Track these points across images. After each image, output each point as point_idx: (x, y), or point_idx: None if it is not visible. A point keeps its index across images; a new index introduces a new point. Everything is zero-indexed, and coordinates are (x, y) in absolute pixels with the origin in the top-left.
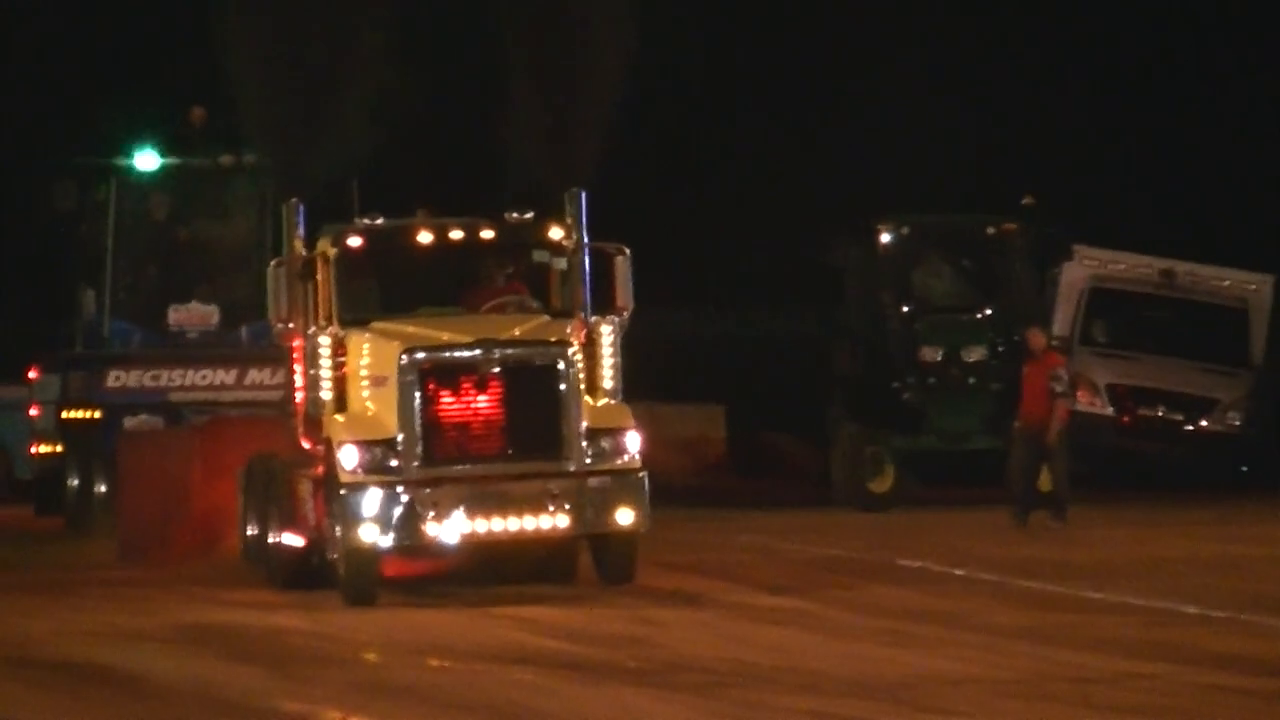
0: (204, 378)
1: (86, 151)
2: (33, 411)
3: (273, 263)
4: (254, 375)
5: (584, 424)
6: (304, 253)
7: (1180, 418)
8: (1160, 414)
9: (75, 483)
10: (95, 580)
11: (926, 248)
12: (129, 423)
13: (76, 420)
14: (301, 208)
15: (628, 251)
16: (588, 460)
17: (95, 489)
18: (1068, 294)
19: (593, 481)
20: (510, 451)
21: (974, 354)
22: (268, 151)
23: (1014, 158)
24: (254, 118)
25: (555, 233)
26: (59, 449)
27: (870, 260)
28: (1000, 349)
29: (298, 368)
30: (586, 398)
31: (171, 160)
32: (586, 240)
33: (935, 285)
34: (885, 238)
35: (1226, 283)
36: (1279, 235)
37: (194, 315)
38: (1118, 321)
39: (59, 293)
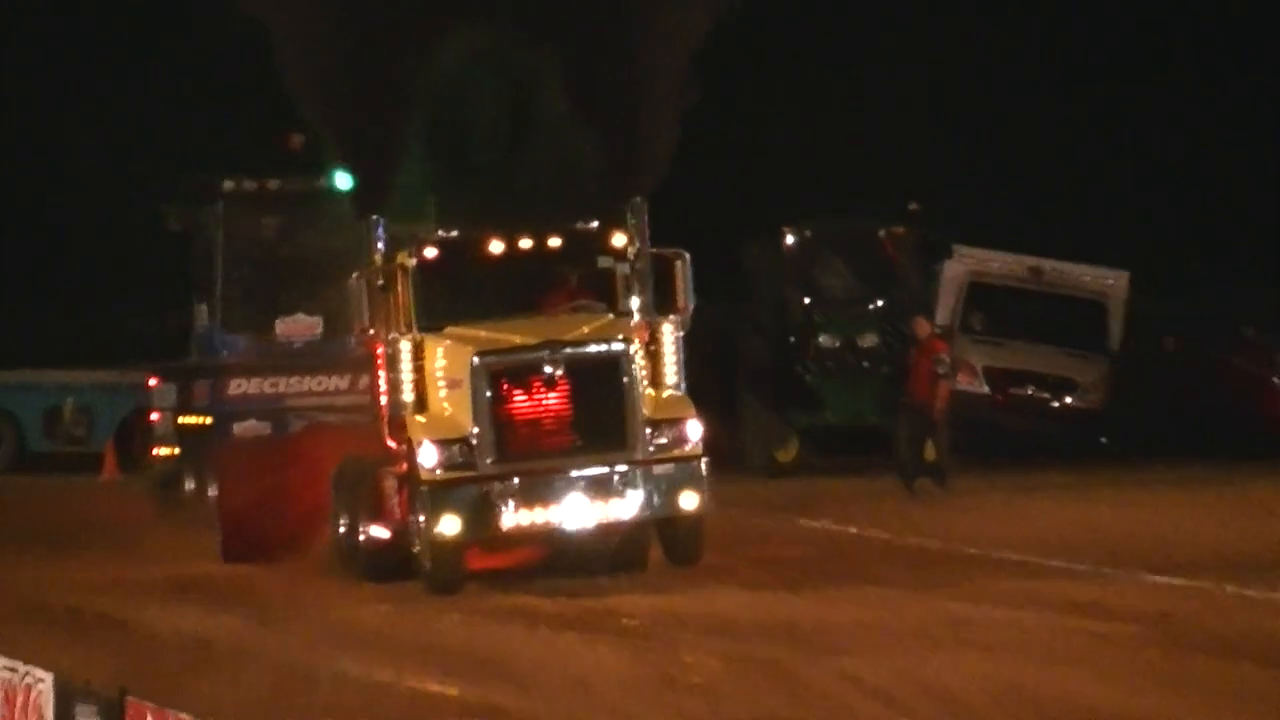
0: (319, 384)
1: (198, 174)
2: (153, 416)
3: (354, 274)
4: (365, 381)
5: (647, 415)
6: (383, 264)
7: (1047, 396)
8: (1029, 393)
9: (191, 484)
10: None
11: (825, 248)
12: (238, 428)
13: (191, 426)
14: (381, 222)
15: (687, 256)
16: (651, 449)
17: (208, 490)
18: (948, 288)
19: (657, 469)
20: (578, 444)
21: (867, 341)
22: (349, 171)
23: (903, 167)
24: (337, 140)
25: (618, 239)
26: (176, 452)
27: (776, 260)
28: (889, 337)
29: (381, 373)
30: (649, 391)
31: (274, 183)
32: (648, 245)
33: (833, 281)
34: (789, 240)
35: (1087, 278)
36: (1133, 235)
37: (299, 326)
38: (992, 312)
39: (171, 305)
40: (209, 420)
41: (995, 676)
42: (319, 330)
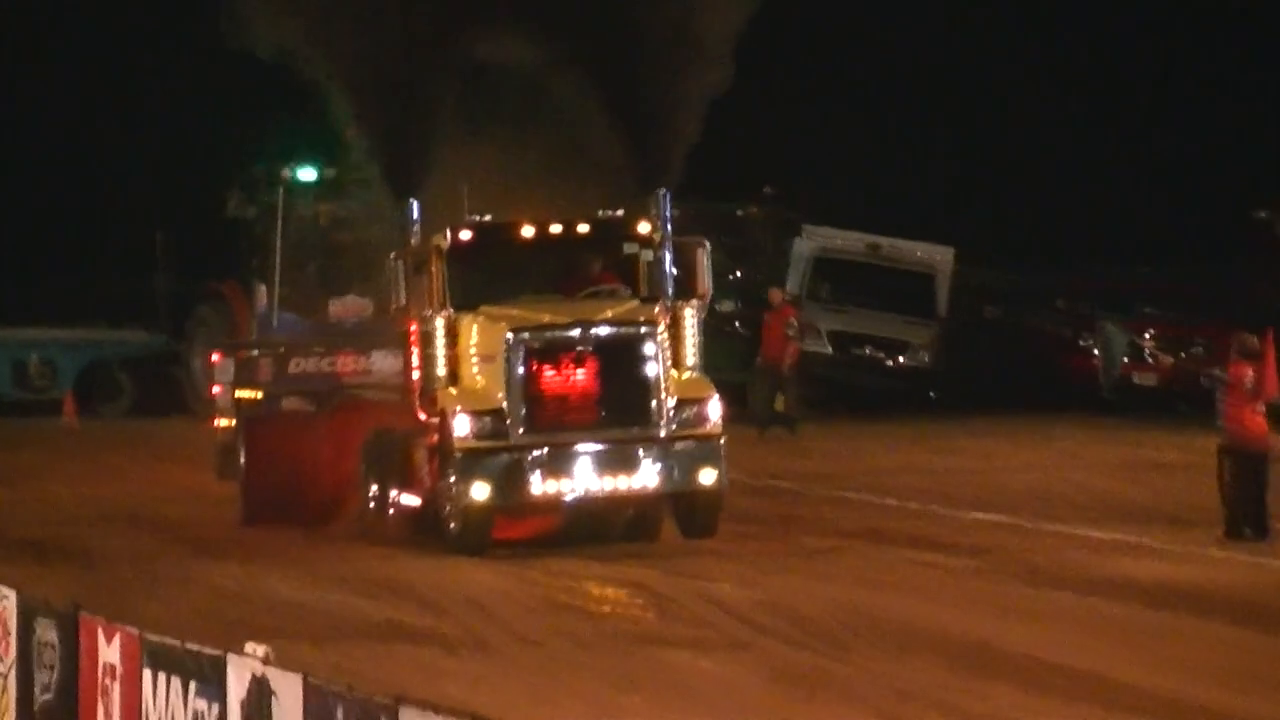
0: (374, 362)
1: (258, 164)
2: (215, 390)
3: (391, 255)
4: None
5: (670, 394)
6: (418, 246)
7: (883, 356)
8: (868, 353)
9: (244, 455)
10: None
11: (692, 227)
12: (286, 403)
13: (246, 400)
14: (416, 206)
15: (708, 244)
16: (673, 427)
17: None
18: (798, 261)
19: (678, 445)
20: (604, 419)
21: (726, 307)
22: (384, 161)
23: (766, 155)
24: (368, 130)
25: (643, 227)
26: (233, 424)
27: None
28: (746, 303)
29: (414, 349)
30: (673, 371)
31: (330, 172)
32: (670, 234)
33: None
34: None
35: (919, 253)
36: (957, 215)
37: (351, 307)
38: (836, 282)
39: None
40: (259, 395)
41: (839, 600)
42: (369, 311)
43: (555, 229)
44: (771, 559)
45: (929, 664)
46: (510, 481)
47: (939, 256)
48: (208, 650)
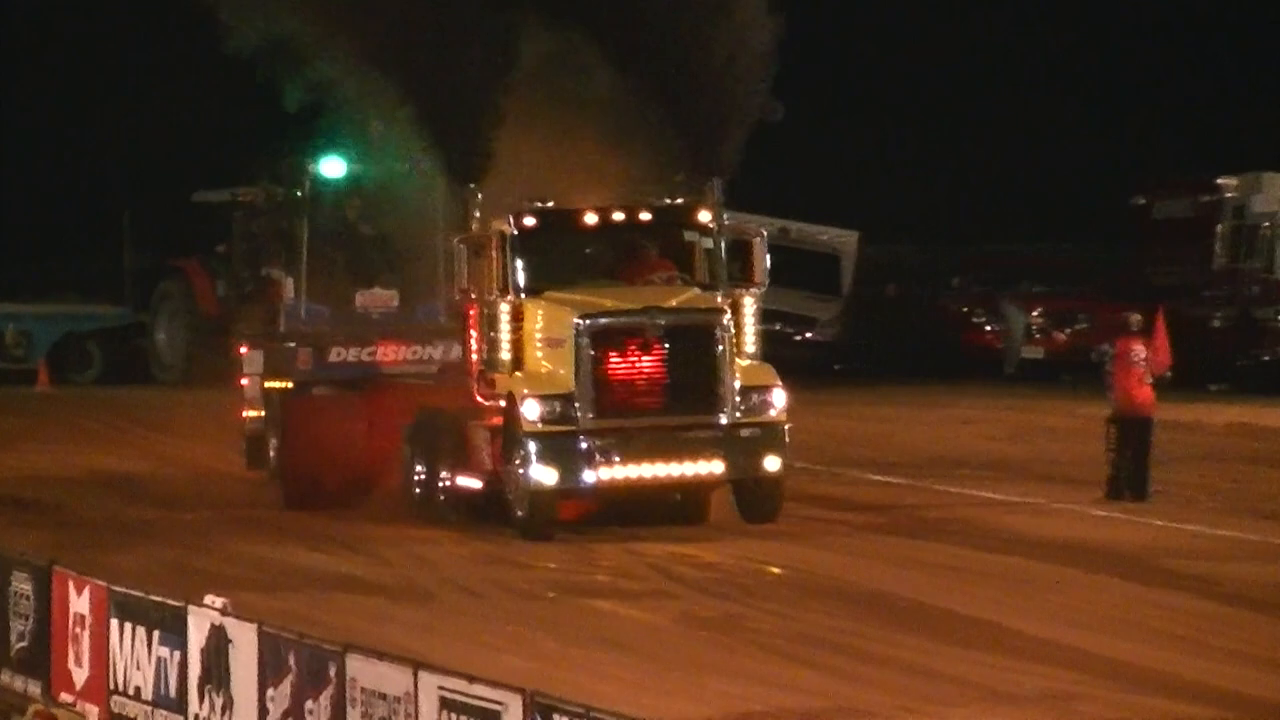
0: (414, 352)
1: (286, 157)
2: (243, 381)
3: (456, 239)
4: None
5: (737, 382)
6: (481, 230)
7: (791, 330)
8: (778, 328)
9: (275, 443)
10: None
11: None
12: (316, 392)
13: (276, 390)
14: (478, 192)
15: (764, 233)
16: (739, 414)
17: None
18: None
19: (744, 432)
20: (671, 405)
21: None
22: (443, 153)
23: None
24: (427, 122)
25: (704, 216)
26: (262, 413)
27: None
28: None
29: (473, 332)
30: (736, 359)
31: (357, 166)
32: (726, 222)
33: None
34: None
35: (824, 236)
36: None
37: (377, 298)
38: None
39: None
40: (290, 384)
41: (753, 554)
42: (395, 302)
43: (618, 216)
44: (692, 517)
45: (831, 612)
46: (578, 466)
47: (843, 239)
48: (170, 601)
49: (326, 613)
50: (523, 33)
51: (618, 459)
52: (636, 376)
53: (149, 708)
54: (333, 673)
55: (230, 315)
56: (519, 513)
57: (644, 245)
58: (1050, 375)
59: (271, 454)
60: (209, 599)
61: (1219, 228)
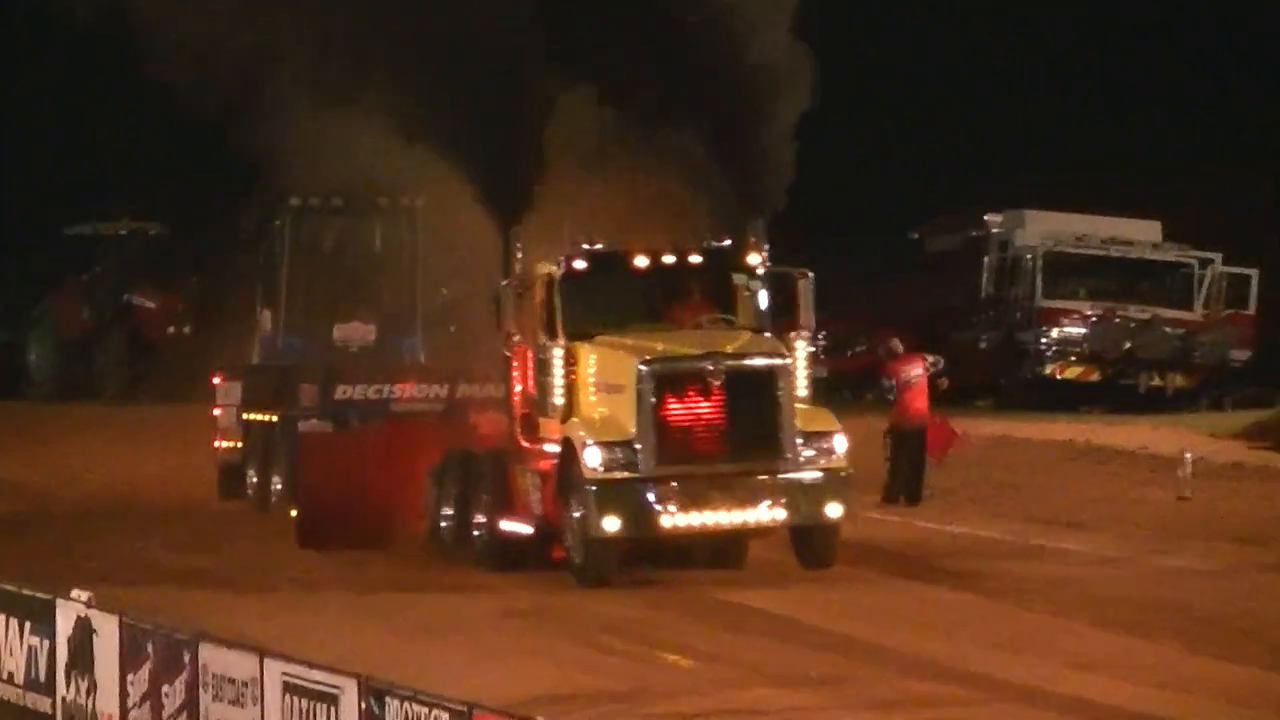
0: (422, 391)
1: (268, 189)
2: (216, 411)
3: (503, 282)
4: (465, 389)
5: (798, 426)
6: (526, 273)
7: None
8: None
9: (253, 474)
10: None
11: None
12: (303, 426)
13: (257, 421)
14: (520, 234)
15: (810, 275)
16: (801, 459)
17: (271, 480)
18: None
19: (806, 478)
20: (733, 451)
21: None
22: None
23: None
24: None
25: (753, 258)
26: (239, 444)
27: None
28: None
29: (515, 374)
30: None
31: (337, 199)
32: (769, 264)
33: None
34: None
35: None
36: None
37: (355, 331)
38: None
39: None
40: (274, 418)
41: None
42: (373, 336)
43: (668, 258)
44: None
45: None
46: (641, 514)
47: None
48: (40, 594)
49: (181, 604)
50: (563, 84)
51: (681, 506)
52: (698, 422)
53: (21, 690)
54: (186, 659)
55: (93, 337)
56: (576, 560)
57: (689, 287)
58: (831, 391)
59: (249, 486)
60: (75, 592)
61: (986, 259)
